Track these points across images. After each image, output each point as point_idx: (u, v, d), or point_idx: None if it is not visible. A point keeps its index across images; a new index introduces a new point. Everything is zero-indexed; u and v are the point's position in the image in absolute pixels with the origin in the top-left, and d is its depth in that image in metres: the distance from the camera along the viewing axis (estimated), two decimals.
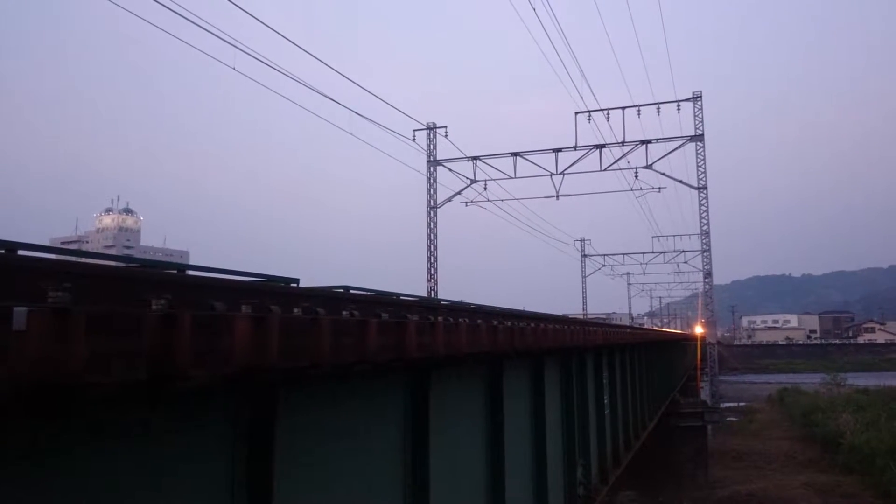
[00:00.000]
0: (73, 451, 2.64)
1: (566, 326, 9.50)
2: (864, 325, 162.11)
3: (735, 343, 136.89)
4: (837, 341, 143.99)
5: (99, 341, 2.05)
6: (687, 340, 41.62)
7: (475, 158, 32.30)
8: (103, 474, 2.78)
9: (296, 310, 3.41)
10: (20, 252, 2.54)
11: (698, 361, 34.45)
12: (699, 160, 31.87)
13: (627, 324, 44.99)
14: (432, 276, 32.43)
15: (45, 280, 2.23)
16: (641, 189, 32.05)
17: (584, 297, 60.01)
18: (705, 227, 33.12)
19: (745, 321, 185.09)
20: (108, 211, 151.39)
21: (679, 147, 30.81)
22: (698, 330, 45.18)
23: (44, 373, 1.90)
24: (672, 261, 56.57)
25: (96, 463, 2.75)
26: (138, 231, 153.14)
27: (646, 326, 52.84)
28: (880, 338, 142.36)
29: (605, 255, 60.77)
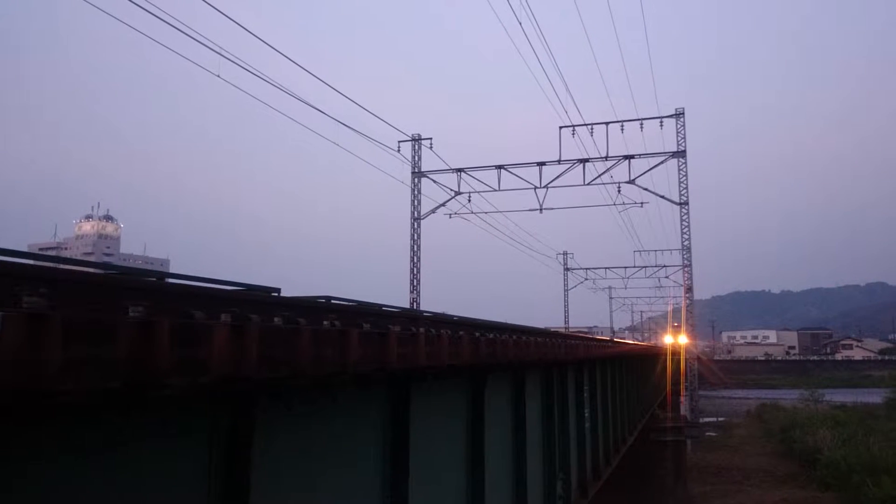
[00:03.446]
0: (45, 459, 2.59)
1: (548, 340, 9.51)
2: (842, 342, 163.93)
3: (715, 358, 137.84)
4: (816, 357, 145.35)
5: (74, 348, 2.02)
6: (667, 354, 41.75)
7: (460, 170, 32.42)
8: (76, 483, 2.74)
9: (276, 319, 3.39)
10: None
11: (668, 376, 34.41)
12: (681, 176, 32.25)
13: (609, 337, 45.13)
14: (415, 287, 32.40)
15: (21, 285, 2.20)
16: (624, 204, 32.36)
17: (567, 311, 60.35)
18: (686, 243, 33.44)
19: (724, 336, 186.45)
20: (88, 217, 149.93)
21: (661, 163, 31.16)
22: (668, 339, 44.89)
23: (17, 379, 1.86)
24: (653, 275, 57.09)
25: (69, 471, 2.70)
26: (118, 238, 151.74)
27: (627, 340, 53.10)
28: (857, 354, 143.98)
29: (587, 268, 61.26)
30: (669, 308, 58.78)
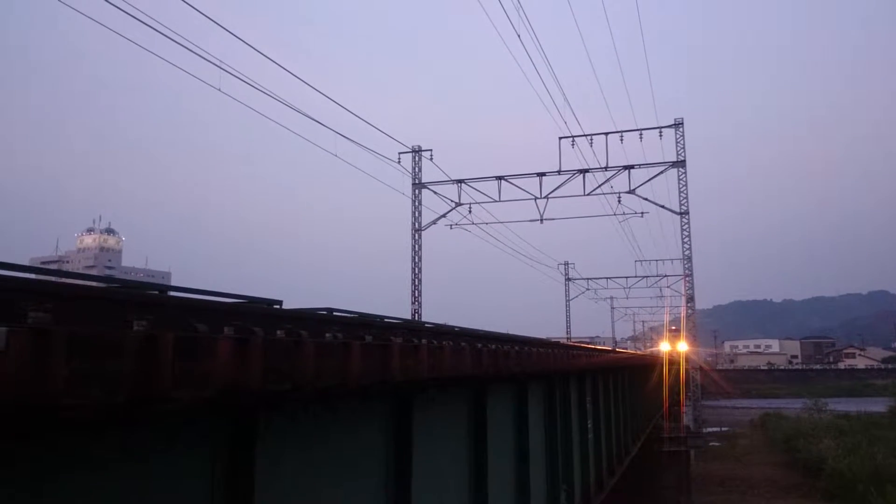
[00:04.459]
0: (49, 474, 2.59)
1: (550, 350, 9.50)
2: (845, 351, 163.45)
3: (717, 368, 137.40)
4: (818, 366, 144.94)
5: (79, 362, 2.03)
6: (668, 363, 41.55)
7: (460, 181, 32.46)
8: (79, 497, 2.73)
9: (279, 332, 3.39)
10: None
11: (665, 386, 34.02)
12: (681, 185, 32.26)
13: (611, 347, 44.95)
14: (416, 298, 32.37)
15: (25, 300, 2.21)
16: (624, 213, 32.34)
17: (568, 321, 60.25)
18: (687, 252, 33.40)
19: (726, 346, 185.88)
20: (90, 231, 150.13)
21: (661, 172, 31.17)
22: (665, 346, 43.92)
23: (23, 394, 1.87)
24: (655, 285, 56.97)
25: (72, 486, 2.70)
26: (120, 251, 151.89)
27: (629, 350, 52.95)
28: (860, 363, 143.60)
29: (588, 278, 61.10)
30: (666, 313, 58.46)
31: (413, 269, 32.62)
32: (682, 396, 36.39)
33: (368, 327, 4.67)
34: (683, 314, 35.69)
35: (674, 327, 46.32)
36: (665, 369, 32.70)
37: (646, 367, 30.68)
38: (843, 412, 55.68)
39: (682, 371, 35.46)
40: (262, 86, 14.20)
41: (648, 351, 65.41)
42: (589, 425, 14.47)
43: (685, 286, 34.32)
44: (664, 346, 43.91)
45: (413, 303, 32.34)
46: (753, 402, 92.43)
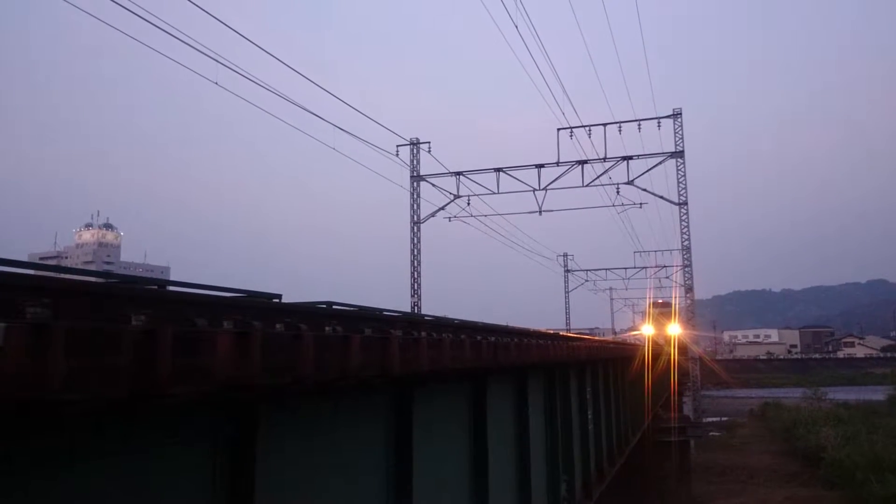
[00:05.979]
0: (48, 471, 2.59)
1: (550, 341, 9.52)
2: (844, 340, 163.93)
3: (717, 358, 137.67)
4: (818, 356, 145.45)
5: (78, 358, 2.02)
6: (661, 351, 40.91)
7: (458, 174, 32.41)
8: (79, 493, 2.74)
9: (278, 326, 3.39)
10: None
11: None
12: (679, 176, 32.22)
13: (610, 338, 44.90)
14: (416, 291, 32.37)
15: (24, 295, 2.21)
16: (623, 205, 32.28)
17: (568, 312, 60.28)
18: (686, 243, 33.39)
19: (726, 336, 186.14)
20: (88, 226, 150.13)
21: (660, 163, 31.13)
22: (646, 330, 41.58)
23: (21, 390, 1.87)
24: (654, 276, 56.96)
25: (72, 482, 2.70)
26: (118, 246, 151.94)
27: (628, 341, 52.74)
28: (860, 352, 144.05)
29: (587, 270, 61.10)
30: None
31: (412, 262, 32.61)
32: (674, 384, 36.07)
33: (368, 321, 4.67)
34: (675, 296, 35.59)
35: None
36: (647, 356, 32.15)
37: (642, 356, 30.64)
38: (843, 401, 55.92)
39: (674, 357, 34.98)
40: (259, 79, 14.17)
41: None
42: (589, 415, 14.50)
43: (684, 277, 34.32)
44: (646, 329, 42.41)
45: (412, 295, 32.34)
46: (753, 391, 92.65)
